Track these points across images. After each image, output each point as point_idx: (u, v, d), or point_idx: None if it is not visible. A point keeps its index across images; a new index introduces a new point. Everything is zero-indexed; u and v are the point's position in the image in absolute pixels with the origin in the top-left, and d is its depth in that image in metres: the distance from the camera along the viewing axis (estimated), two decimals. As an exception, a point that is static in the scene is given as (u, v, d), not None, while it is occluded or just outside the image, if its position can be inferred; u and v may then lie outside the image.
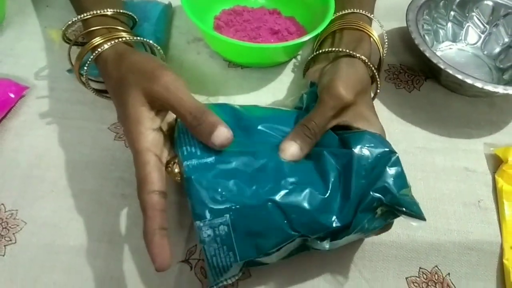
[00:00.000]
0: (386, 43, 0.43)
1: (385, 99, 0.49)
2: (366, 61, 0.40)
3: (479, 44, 0.55)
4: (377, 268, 0.38)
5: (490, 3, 0.54)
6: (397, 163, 0.33)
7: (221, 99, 0.48)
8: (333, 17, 0.45)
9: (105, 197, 0.40)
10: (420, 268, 0.38)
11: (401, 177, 0.33)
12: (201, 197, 0.29)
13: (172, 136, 0.34)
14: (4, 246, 0.37)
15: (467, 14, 0.55)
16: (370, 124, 0.36)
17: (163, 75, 0.32)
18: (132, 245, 0.37)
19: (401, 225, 0.38)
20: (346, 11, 0.44)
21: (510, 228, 0.40)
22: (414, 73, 0.52)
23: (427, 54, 0.46)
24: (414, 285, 0.37)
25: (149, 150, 0.31)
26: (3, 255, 0.36)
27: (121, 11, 0.40)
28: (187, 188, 0.30)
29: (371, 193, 0.31)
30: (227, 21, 0.51)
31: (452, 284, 0.37)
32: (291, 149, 0.34)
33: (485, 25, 0.55)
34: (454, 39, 0.56)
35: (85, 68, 0.38)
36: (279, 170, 0.32)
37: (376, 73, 0.41)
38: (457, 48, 0.55)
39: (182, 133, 0.33)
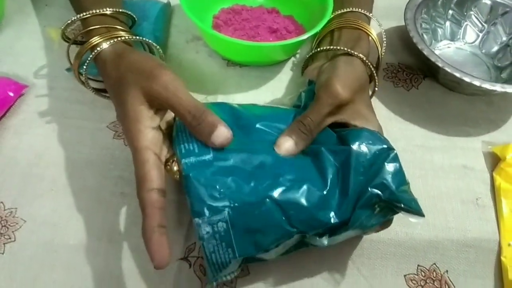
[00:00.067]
0: (385, 42, 0.43)
1: (384, 98, 0.49)
2: (365, 59, 0.40)
3: (477, 42, 0.55)
4: (375, 266, 0.38)
5: (488, 2, 0.54)
6: (396, 159, 0.33)
7: (220, 98, 0.48)
8: (332, 16, 0.45)
9: (104, 195, 0.40)
10: (418, 265, 0.38)
11: (399, 174, 0.33)
12: (199, 194, 0.29)
13: (171, 135, 0.34)
14: (4, 244, 0.37)
15: (465, 13, 0.55)
16: (368, 122, 0.36)
17: (162, 74, 0.32)
18: (131, 243, 0.37)
19: (400, 222, 0.38)
20: (345, 10, 0.44)
21: (507, 226, 0.40)
22: (413, 72, 0.52)
23: (425, 53, 0.46)
24: (413, 283, 0.37)
25: (148, 149, 0.31)
26: (3, 253, 0.36)
27: (120, 10, 0.40)
28: (185, 185, 0.30)
29: (369, 189, 0.31)
30: (225, 20, 0.51)
31: (450, 281, 0.37)
32: (286, 144, 0.34)
33: (483, 23, 0.55)
34: (452, 37, 0.56)
35: (84, 67, 0.38)
36: (277, 167, 0.32)
37: (374, 72, 0.41)
38: (455, 47, 0.56)
39: (180, 131, 0.33)
